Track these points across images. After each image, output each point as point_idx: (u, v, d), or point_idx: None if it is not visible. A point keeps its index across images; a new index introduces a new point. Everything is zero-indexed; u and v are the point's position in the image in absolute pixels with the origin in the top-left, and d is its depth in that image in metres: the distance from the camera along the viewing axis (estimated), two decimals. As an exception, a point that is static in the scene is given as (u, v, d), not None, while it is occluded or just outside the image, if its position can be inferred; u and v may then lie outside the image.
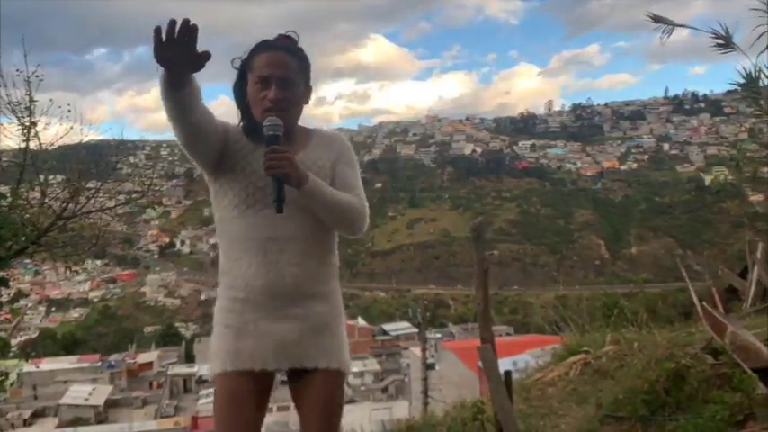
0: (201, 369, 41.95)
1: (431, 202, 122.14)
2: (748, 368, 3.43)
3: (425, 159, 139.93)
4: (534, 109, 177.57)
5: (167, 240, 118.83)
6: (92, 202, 5.57)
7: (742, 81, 4.93)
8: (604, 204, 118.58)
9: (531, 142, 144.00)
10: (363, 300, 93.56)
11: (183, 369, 47.01)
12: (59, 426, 36.43)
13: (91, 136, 6.00)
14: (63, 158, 5.99)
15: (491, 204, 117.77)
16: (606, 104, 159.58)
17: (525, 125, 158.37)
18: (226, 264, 1.97)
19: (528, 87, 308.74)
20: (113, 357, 51.01)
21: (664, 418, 3.53)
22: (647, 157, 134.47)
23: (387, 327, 57.27)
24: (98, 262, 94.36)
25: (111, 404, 41.28)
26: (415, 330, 42.93)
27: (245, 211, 1.91)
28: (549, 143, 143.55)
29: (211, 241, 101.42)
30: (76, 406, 38.66)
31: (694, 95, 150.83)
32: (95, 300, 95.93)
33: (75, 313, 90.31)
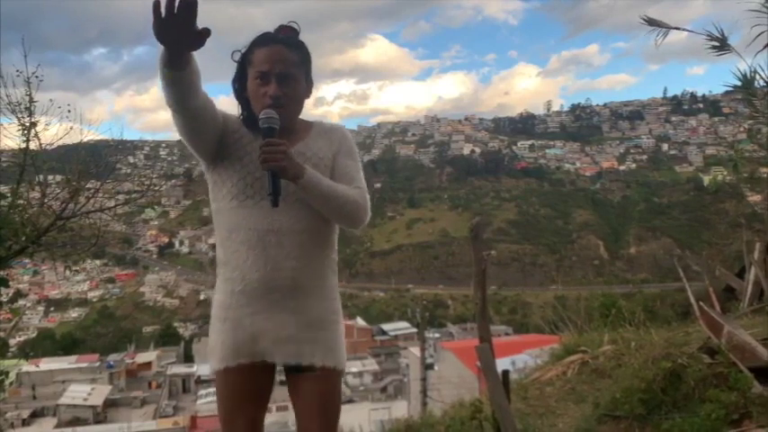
0: (200, 369, 41.92)
1: (430, 202, 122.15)
2: (744, 367, 3.45)
3: (424, 159, 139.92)
4: (533, 109, 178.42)
5: (166, 240, 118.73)
6: (91, 201, 5.57)
7: (738, 82, 4.96)
8: (603, 204, 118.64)
9: (529, 142, 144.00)
10: (362, 300, 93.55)
11: (181, 369, 46.92)
12: (58, 426, 36.36)
13: (90, 136, 6.01)
14: (62, 158, 5.99)
15: (490, 204, 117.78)
16: (605, 105, 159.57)
17: (524, 125, 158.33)
18: (223, 255, 1.94)
19: (527, 87, 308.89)
20: (112, 357, 50.89)
21: (660, 417, 3.55)
22: (645, 157, 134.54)
23: (386, 327, 57.22)
24: (97, 262, 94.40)
25: (109, 404, 41.20)
26: (414, 330, 42.95)
27: (243, 202, 1.89)
28: (548, 143, 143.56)
29: (210, 241, 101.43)
30: (75, 406, 38.57)
31: (693, 96, 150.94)
32: (94, 300, 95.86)
33: (74, 313, 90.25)
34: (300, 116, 2.01)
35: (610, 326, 5.93)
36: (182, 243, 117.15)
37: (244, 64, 1.91)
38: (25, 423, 35.06)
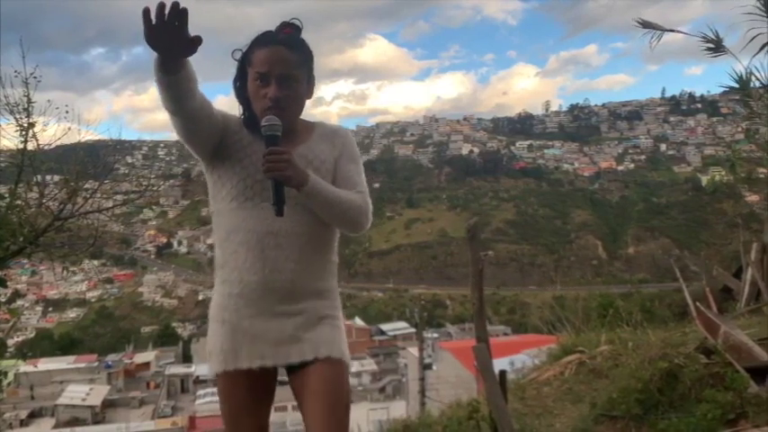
0: (199, 369, 41.89)
1: (428, 202, 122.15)
2: (740, 367, 3.47)
3: (423, 159, 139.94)
4: (532, 109, 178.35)
5: (164, 240, 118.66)
6: (89, 202, 5.58)
7: (734, 84, 4.98)
8: (601, 204, 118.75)
9: (528, 142, 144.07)
10: (361, 300, 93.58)
11: (180, 369, 46.89)
12: (56, 426, 36.33)
13: (88, 136, 6.02)
14: (60, 159, 5.99)
15: (488, 204, 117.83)
16: (603, 105, 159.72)
17: (523, 125, 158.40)
18: (221, 257, 1.92)
19: (526, 88, 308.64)
20: (110, 357, 50.84)
21: (657, 417, 3.56)
22: (644, 157, 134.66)
23: (384, 327, 57.21)
24: (95, 262, 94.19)
25: (108, 404, 41.16)
26: (413, 330, 42.96)
27: (242, 204, 1.87)
28: (547, 143, 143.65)
29: (209, 241, 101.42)
30: (73, 406, 38.53)
31: (691, 96, 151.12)
32: (92, 300, 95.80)
33: (72, 313, 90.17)
34: (302, 116, 1.99)
35: (607, 326, 5.94)
36: (180, 243, 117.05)
37: (244, 64, 1.89)
38: (23, 423, 35.00)
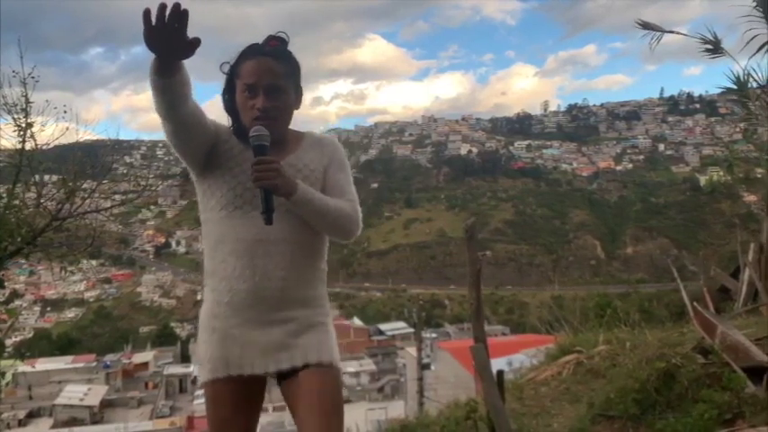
0: (197, 369, 41.71)
1: (427, 202, 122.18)
2: (737, 367, 3.47)
3: (421, 159, 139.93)
4: (530, 109, 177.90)
5: (163, 240, 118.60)
6: (87, 202, 5.57)
7: (732, 85, 5.00)
8: (600, 205, 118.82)
9: (526, 142, 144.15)
10: (359, 300, 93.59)
11: (178, 369, 46.85)
12: (54, 426, 36.29)
13: (86, 136, 6.01)
14: (59, 158, 5.99)
15: (487, 204, 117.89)
16: (602, 105, 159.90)
17: (521, 125, 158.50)
18: (210, 265, 1.93)
19: (524, 88, 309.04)
20: (109, 357, 50.79)
21: (654, 417, 3.57)
22: (642, 157, 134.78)
23: (383, 327, 57.20)
24: (93, 262, 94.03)
25: (106, 404, 41.11)
26: (411, 330, 42.99)
27: (231, 213, 1.87)
28: (545, 143, 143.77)
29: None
30: (72, 406, 38.48)
31: (689, 96, 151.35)
32: (91, 300, 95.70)
33: (70, 313, 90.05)
34: (295, 122, 2.00)
35: (605, 326, 5.96)
36: (178, 243, 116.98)
37: (232, 76, 1.90)
38: (22, 423, 34.96)
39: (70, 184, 5.37)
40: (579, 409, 4.30)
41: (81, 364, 47.76)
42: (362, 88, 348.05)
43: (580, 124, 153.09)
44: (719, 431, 3.22)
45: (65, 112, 5.39)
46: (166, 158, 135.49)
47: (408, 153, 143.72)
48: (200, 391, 37.25)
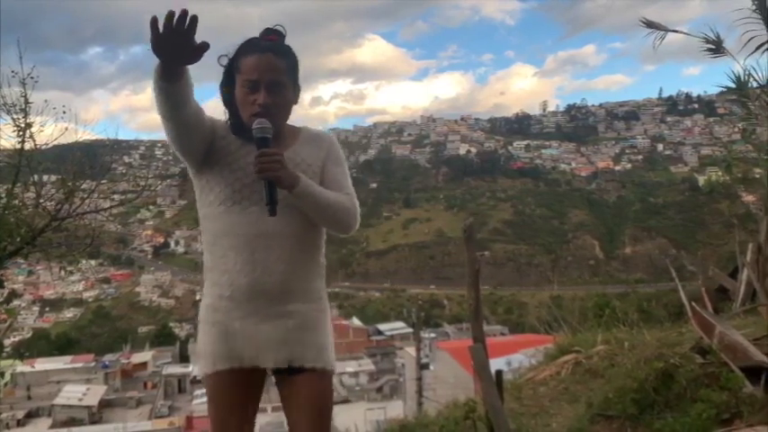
0: (196, 369, 41.69)
1: (425, 202, 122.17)
2: (736, 367, 3.48)
3: (420, 159, 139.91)
4: (529, 109, 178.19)
5: (162, 240, 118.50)
6: (86, 202, 5.58)
7: (732, 84, 5.01)
8: (599, 204, 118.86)
9: (525, 143, 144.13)
10: (358, 300, 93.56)
11: (177, 369, 46.82)
12: (53, 426, 36.26)
13: (86, 136, 6.01)
14: (58, 159, 5.99)
15: (486, 204, 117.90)
16: (600, 105, 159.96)
17: (520, 125, 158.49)
18: (210, 260, 1.95)
19: (523, 88, 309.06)
20: (107, 357, 50.72)
21: (652, 417, 3.57)
22: (641, 157, 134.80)
23: (382, 327, 57.19)
24: (92, 262, 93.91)
25: (105, 404, 41.07)
26: (410, 330, 42.98)
27: (230, 208, 1.89)
28: (544, 143, 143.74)
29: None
30: (70, 406, 38.44)
31: (688, 96, 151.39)
32: (89, 300, 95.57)
33: (69, 313, 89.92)
34: (293, 120, 2.02)
35: (603, 326, 5.97)
36: (177, 243, 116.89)
37: (231, 70, 1.91)
38: (20, 424, 34.91)
39: (69, 184, 5.38)
40: (578, 409, 4.31)
41: (80, 364, 47.67)
42: (362, 88, 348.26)
43: (579, 124, 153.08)
44: (717, 431, 3.22)
45: (64, 112, 5.40)
46: (165, 158, 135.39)
47: (407, 153, 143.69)
48: (198, 391, 37.28)
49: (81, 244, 5.65)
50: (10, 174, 5.17)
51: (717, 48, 5.09)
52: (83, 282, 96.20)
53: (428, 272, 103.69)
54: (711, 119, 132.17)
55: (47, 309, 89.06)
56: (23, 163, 5.16)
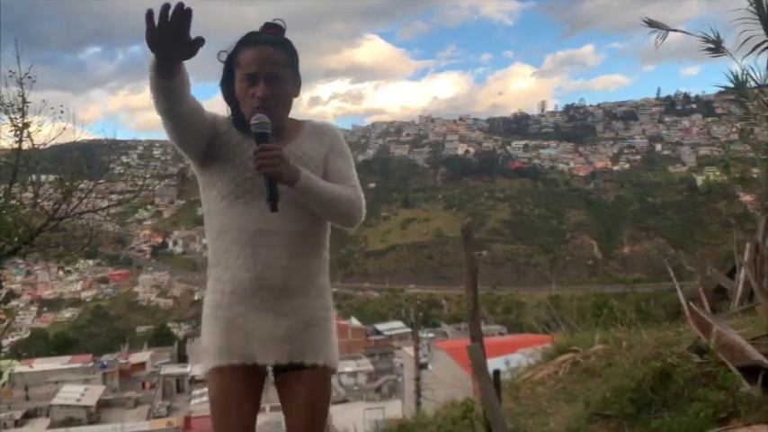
0: (194, 369, 41.73)
1: (424, 202, 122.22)
2: (733, 366, 3.49)
3: (419, 159, 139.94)
4: (527, 109, 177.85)
5: (160, 240, 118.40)
6: (84, 202, 5.58)
7: (730, 84, 5.01)
8: (597, 204, 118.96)
9: (523, 142, 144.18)
10: (357, 300, 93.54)
11: (175, 369, 46.81)
12: (51, 426, 36.23)
13: (83, 136, 6.01)
14: (56, 158, 5.99)
15: (484, 204, 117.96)
16: (599, 105, 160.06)
17: (518, 125, 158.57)
18: (214, 256, 1.95)
19: (522, 88, 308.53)
20: (106, 358, 50.69)
21: (650, 416, 3.58)
22: (639, 157, 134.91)
23: (380, 327, 57.20)
24: (90, 262, 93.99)
25: (103, 404, 41.04)
26: (409, 330, 42.97)
27: (233, 202, 1.88)
28: (542, 143, 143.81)
29: (204, 241, 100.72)
30: (68, 406, 38.41)
31: (686, 96, 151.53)
32: (88, 300, 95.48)
33: (67, 313, 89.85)
34: (291, 115, 2.00)
35: (601, 326, 5.98)
36: (175, 243, 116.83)
37: (230, 65, 1.90)
38: (18, 424, 34.88)
39: (67, 183, 5.38)
40: (575, 409, 4.32)
41: (78, 365, 47.62)
42: (360, 88, 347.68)
43: (577, 124, 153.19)
44: (715, 430, 3.23)
45: (62, 111, 5.41)
46: (163, 158, 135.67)
47: (406, 153, 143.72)
48: (197, 391, 37.27)
49: (79, 244, 5.65)
50: (8, 173, 5.17)
51: (717, 47, 5.09)
52: (81, 282, 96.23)
53: (427, 272, 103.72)
54: (709, 119, 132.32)
55: (45, 309, 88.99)
56: (21, 163, 5.17)
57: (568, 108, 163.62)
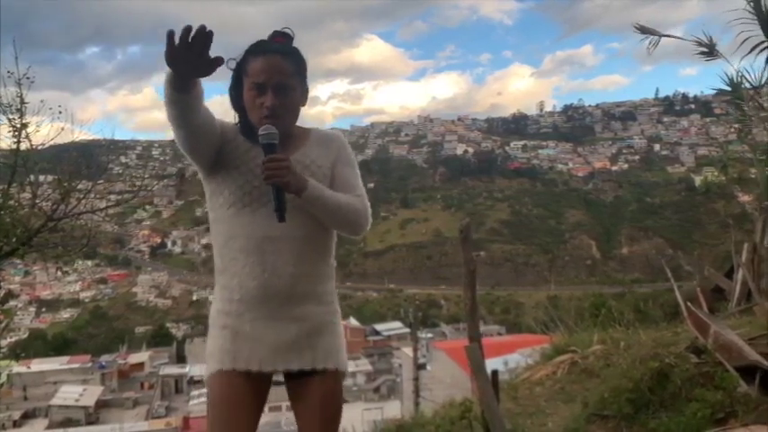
0: (193, 370, 41.84)
1: (423, 202, 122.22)
2: (730, 367, 3.50)
3: (418, 159, 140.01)
4: (526, 109, 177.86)
5: (158, 240, 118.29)
6: (83, 202, 5.58)
7: (725, 86, 5.03)
8: (596, 205, 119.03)
9: (522, 143, 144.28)
10: (355, 300, 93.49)
11: (174, 370, 46.85)
12: (50, 427, 36.26)
13: (82, 136, 6.00)
14: (54, 159, 5.99)
15: (483, 204, 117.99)
16: (597, 105, 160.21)
17: (517, 126, 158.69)
18: (221, 264, 1.94)
19: (520, 88, 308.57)
20: (104, 358, 50.67)
21: (648, 416, 3.59)
22: (637, 157, 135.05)
23: (379, 327, 57.26)
24: (89, 262, 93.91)
25: (101, 405, 41.06)
26: (407, 330, 43.01)
27: (240, 210, 1.89)
28: (541, 144, 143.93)
29: (203, 241, 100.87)
30: (67, 407, 38.44)
31: (685, 96, 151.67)
32: (86, 300, 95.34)
33: (65, 314, 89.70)
34: (298, 122, 2.01)
35: (600, 326, 5.99)
36: (174, 243, 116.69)
37: (239, 73, 1.90)
38: (17, 424, 34.88)
39: (65, 184, 5.38)
40: (574, 409, 4.32)
41: (76, 365, 47.59)
42: (359, 88, 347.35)
43: (576, 124, 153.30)
44: (712, 430, 3.24)
45: (60, 112, 5.41)
46: (162, 158, 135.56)
47: (405, 153, 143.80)
48: (195, 392, 37.27)
49: (77, 244, 5.65)
50: (6, 174, 5.17)
51: (710, 51, 5.10)
52: (79, 282, 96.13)
53: (425, 272, 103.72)
54: (708, 119, 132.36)
55: (43, 309, 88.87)
56: (19, 163, 5.16)
57: (567, 108, 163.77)
